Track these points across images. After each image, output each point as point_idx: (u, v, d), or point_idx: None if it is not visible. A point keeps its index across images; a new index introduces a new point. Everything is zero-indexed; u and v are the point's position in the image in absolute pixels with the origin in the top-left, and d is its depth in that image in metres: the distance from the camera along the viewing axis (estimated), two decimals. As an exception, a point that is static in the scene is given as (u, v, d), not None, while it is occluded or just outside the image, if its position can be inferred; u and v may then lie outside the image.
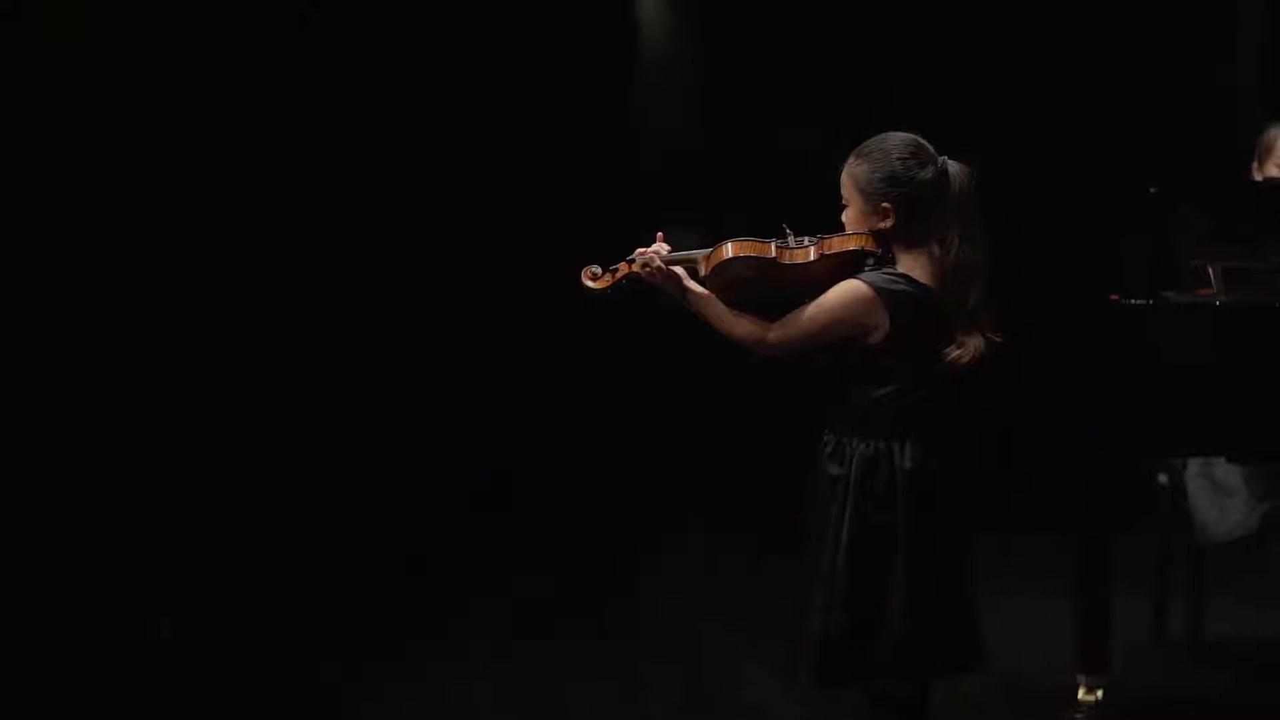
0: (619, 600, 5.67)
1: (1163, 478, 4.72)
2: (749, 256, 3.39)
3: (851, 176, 3.41)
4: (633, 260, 3.49)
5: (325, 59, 6.93)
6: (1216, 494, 4.55)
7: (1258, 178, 4.72)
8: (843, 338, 3.35)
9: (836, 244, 3.40)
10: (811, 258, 3.38)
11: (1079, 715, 4.22)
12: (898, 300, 3.32)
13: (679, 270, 3.46)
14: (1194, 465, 4.61)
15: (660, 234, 3.52)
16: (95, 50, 6.27)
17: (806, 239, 3.40)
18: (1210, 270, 4.29)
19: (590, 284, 3.52)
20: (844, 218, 3.43)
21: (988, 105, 7.22)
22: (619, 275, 3.50)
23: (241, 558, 6.21)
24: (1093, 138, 7.01)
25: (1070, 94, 7.19)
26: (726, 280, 3.43)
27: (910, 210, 3.36)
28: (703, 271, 3.44)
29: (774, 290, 3.45)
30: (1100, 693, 4.22)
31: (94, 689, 4.75)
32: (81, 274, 6.28)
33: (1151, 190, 4.22)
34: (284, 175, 6.90)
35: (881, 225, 3.37)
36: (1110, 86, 7.12)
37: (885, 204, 3.36)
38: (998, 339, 3.36)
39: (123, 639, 5.14)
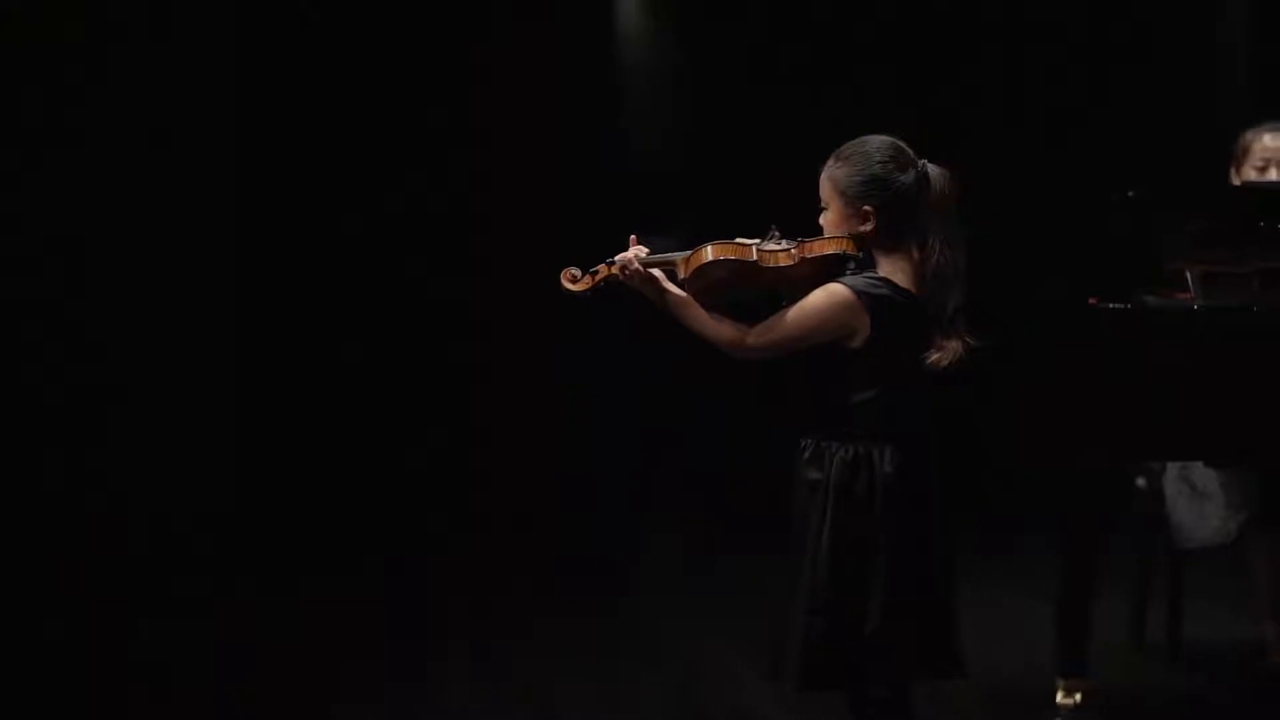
0: (607, 602, 5.63)
1: (1141, 481, 4.68)
2: (729, 259, 3.32)
3: (831, 179, 3.34)
4: (612, 263, 3.42)
5: (307, 63, 6.87)
6: (1194, 498, 4.52)
7: (1236, 182, 4.68)
8: (824, 342, 3.28)
9: (817, 247, 3.33)
10: (792, 261, 3.31)
11: (1058, 718, 4.16)
12: (879, 304, 3.25)
13: (657, 273, 3.39)
14: (1172, 469, 4.57)
15: (633, 237, 3.44)
16: (74, 51, 6.25)
17: (786, 241, 3.33)
18: (1188, 274, 4.24)
19: (570, 286, 3.45)
20: (822, 221, 3.37)
21: (968, 108, 7.19)
22: (598, 278, 3.43)
23: (240, 558, 6.19)
24: (1073, 141, 6.98)
25: (1051, 97, 7.17)
26: (706, 283, 3.36)
27: (891, 213, 3.29)
28: (682, 274, 3.37)
29: (753, 293, 3.38)
30: (1079, 695, 4.17)
31: (93, 689, 4.70)
32: (67, 278, 6.26)
33: (1130, 194, 4.17)
34: (263, 176, 6.84)
35: (862, 228, 3.31)
36: (1091, 89, 7.10)
37: (866, 207, 3.29)
38: (975, 343, 3.29)
39: (122, 639, 5.12)
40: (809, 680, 3.29)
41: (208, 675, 4.85)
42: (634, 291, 3.42)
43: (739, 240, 3.34)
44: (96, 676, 4.81)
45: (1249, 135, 4.66)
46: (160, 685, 4.72)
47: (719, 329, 3.37)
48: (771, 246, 3.32)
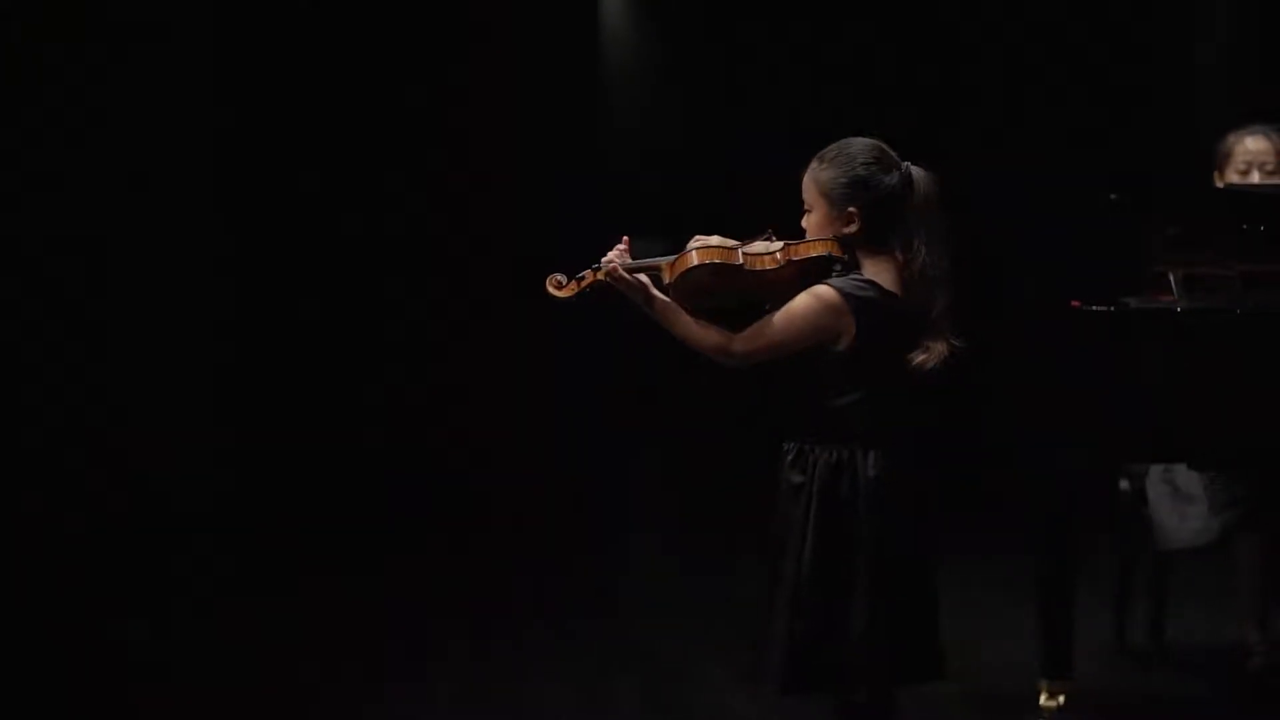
0: (592, 604, 5.55)
1: (1124, 483, 4.61)
2: (714, 263, 3.23)
3: (815, 182, 3.26)
4: (598, 268, 3.32)
5: (293, 67, 6.80)
6: (1177, 500, 4.46)
7: (1219, 185, 4.63)
8: (810, 345, 3.19)
9: (803, 250, 3.24)
10: (777, 264, 3.23)
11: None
12: (865, 306, 3.17)
13: (643, 279, 3.30)
14: (1155, 471, 4.51)
15: (625, 239, 3.35)
16: (72, 52, 6.20)
17: (771, 244, 3.25)
18: (1171, 276, 4.17)
19: (555, 292, 3.35)
20: (805, 223, 3.28)
21: (954, 109, 7.13)
22: (584, 284, 3.34)
23: (240, 558, 6.14)
24: (1057, 143, 6.91)
25: (1035, 99, 7.10)
26: (691, 288, 3.26)
27: (875, 216, 3.21)
28: (667, 279, 3.28)
29: (739, 297, 3.30)
30: (1062, 697, 4.10)
31: (93, 689, 4.65)
32: (62, 277, 6.23)
33: (1112, 197, 4.10)
34: (251, 177, 6.76)
35: (846, 231, 3.23)
36: (1076, 92, 7.03)
37: (851, 209, 3.21)
38: (959, 345, 3.21)
39: (122, 639, 5.06)
40: (791, 683, 3.21)
41: (208, 675, 4.78)
42: (620, 296, 3.32)
43: (724, 244, 3.25)
44: (96, 676, 4.74)
45: (1231, 139, 4.63)
46: (160, 685, 4.66)
47: (705, 334, 3.27)
48: (756, 250, 3.24)
